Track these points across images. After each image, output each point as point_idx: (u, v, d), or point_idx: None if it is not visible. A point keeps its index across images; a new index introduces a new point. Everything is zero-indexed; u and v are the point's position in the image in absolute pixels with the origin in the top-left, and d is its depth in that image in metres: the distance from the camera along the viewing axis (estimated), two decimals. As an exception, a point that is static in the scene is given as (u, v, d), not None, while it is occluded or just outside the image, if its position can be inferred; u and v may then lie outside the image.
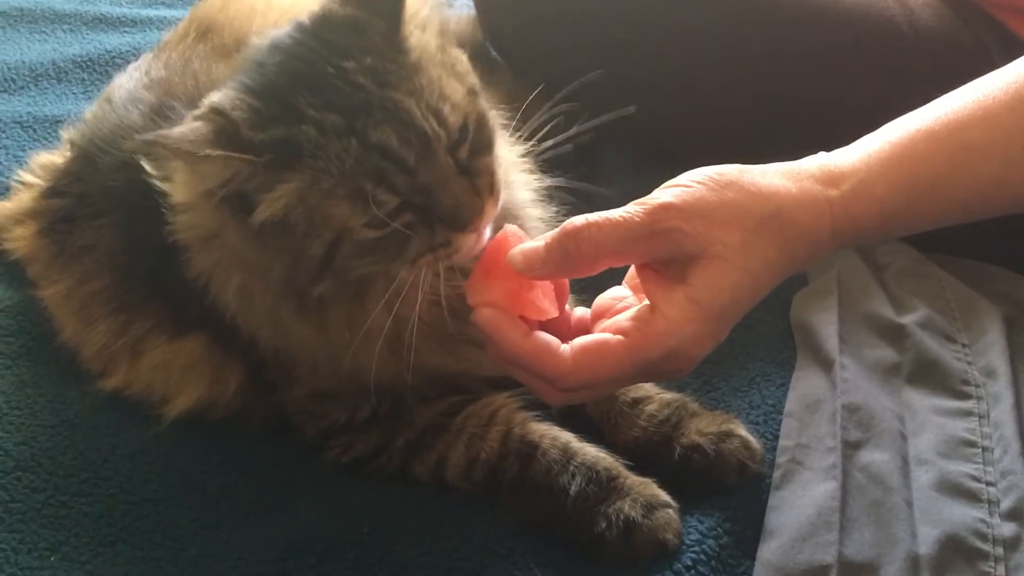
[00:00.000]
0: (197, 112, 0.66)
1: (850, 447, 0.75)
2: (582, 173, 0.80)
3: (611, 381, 0.65)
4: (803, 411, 0.79)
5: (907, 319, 0.88)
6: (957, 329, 0.88)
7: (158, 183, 0.74)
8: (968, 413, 0.79)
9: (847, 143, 0.70)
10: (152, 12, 1.48)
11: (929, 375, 0.83)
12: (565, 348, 0.63)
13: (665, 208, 0.62)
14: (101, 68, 1.30)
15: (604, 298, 0.71)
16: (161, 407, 0.80)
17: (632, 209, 0.62)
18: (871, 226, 0.67)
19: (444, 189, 0.65)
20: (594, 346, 0.62)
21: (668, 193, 0.63)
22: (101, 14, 1.44)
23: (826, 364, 0.83)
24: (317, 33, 0.68)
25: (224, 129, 0.64)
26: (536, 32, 1.13)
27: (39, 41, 1.36)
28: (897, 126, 0.69)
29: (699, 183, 0.63)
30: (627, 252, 0.64)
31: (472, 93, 0.69)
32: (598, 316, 0.69)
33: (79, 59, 1.32)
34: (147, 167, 0.74)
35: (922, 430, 0.78)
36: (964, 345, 0.86)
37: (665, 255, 0.63)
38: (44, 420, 0.80)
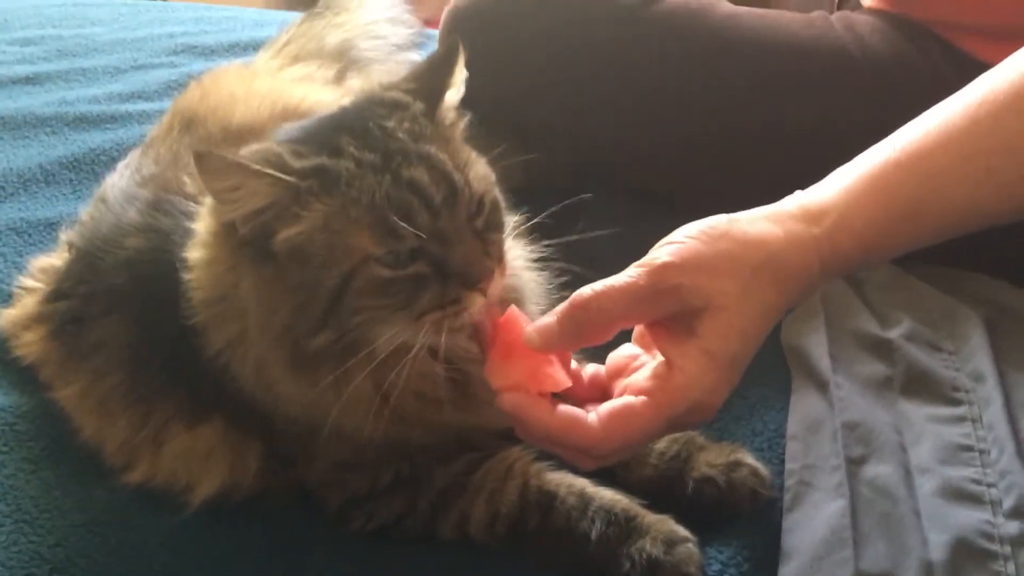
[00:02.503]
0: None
1: (854, 463, 0.77)
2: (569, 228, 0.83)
3: (641, 441, 0.68)
4: (805, 432, 0.81)
5: (893, 333, 0.91)
6: (941, 337, 0.90)
7: (193, 203, 0.80)
8: (962, 419, 0.81)
9: (822, 174, 0.72)
10: (131, 107, 1.50)
11: (921, 385, 0.85)
12: (592, 416, 0.65)
13: (666, 267, 0.64)
14: (87, 167, 1.32)
15: (617, 356, 0.73)
16: (186, 495, 0.80)
17: (634, 272, 0.65)
18: (855, 257, 0.69)
19: (461, 241, 0.68)
20: (620, 411, 0.64)
21: (665, 252, 0.65)
22: (81, 114, 1.46)
23: (821, 384, 0.86)
24: (361, 103, 0.74)
25: (268, 158, 0.68)
26: (511, 102, 1.17)
27: (23, 146, 1.37)
28: (867, 158, 0.71)
29: (693, 238, 0.66)
30: (636, 314, 0.67)
31: (491, 183, 0.74)
32: (614, 375, 0.72)
33: (65, 160, 1.33)
34: (187, 181, 0.84)
35: (920, 439, 0.80)
36: (950, 352, 0.89)
37: (672, 311, 0.65)
38: (74, 520, 0.80)
